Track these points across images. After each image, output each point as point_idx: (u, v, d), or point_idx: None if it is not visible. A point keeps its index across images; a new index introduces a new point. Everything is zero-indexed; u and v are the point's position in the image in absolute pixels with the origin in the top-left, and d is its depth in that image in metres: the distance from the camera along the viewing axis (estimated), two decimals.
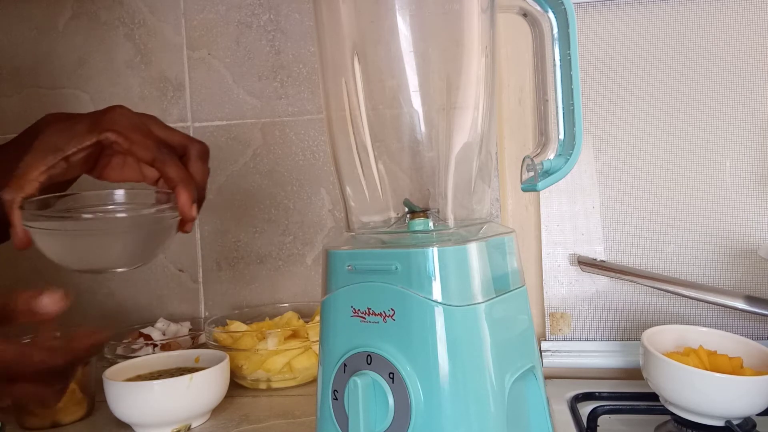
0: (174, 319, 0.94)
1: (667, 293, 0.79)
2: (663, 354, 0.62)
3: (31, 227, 0.51)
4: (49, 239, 0.52)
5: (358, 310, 0.47)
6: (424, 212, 0.51)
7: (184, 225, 0.55)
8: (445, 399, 0.44)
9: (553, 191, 0.85)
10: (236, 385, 0.82)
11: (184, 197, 0.54)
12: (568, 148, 0.53)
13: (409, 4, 0.51)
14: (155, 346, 0.86)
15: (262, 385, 0.83)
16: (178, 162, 0.55)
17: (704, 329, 0.69)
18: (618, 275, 0.81)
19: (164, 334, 0.89)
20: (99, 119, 0.52)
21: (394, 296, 0.45)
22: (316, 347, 0.81)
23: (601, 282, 0.83)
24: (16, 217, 0.48)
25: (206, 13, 0.99)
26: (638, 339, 0.66)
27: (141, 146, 0.53)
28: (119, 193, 0.55)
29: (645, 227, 0.83)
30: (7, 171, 0.50)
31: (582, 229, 0.84)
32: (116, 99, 1.02)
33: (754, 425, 0.62)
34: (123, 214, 0.54)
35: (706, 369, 0.62)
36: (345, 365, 0.47)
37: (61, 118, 0.54)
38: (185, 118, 1.00)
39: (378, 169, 0.52)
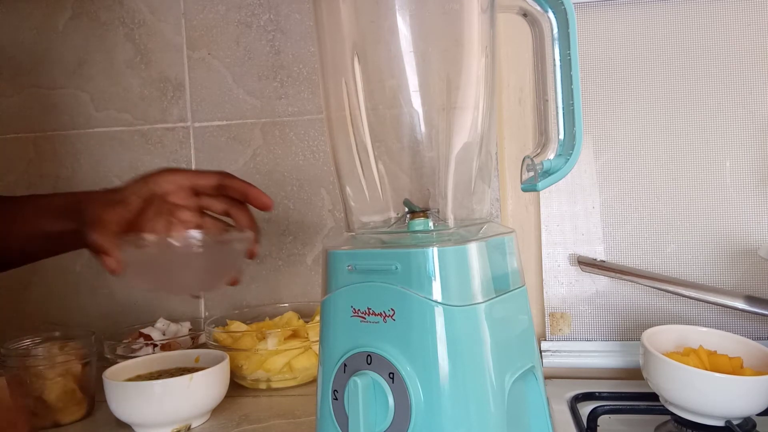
0: (174, 319, 0.94)
1: (667, 293, 0.79)
2: (663, 354, 0.62)
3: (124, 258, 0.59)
4: (139, 267, 0.60)
5: (358, 310, 0.47)
6: (424, 212, 0.51)
7: (251, 255, 0.64)
8: (445, 399, 0.44)
9: (553, 191, 0.85)
10: (236, 385, 0.82)
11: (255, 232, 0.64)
12: (568, 148, 0.53)
13: (409, 4, 0.51)
14: (155, 346, 0.86)
15: (262, 385, 0.83)
16: (246, 209, 0.65)
17: (704, 329, 0.69)
18: (618, 275, 0.81)
19: (164, 334, 0.89)
20: (150, 176, 0.62)
21: (394, 296, 0.45)
22: (316, 347, 0.81)
23: (601, 282, 0.83)
24: (115, 251, 0.56)
25: (206, 13, 0.99)
26: (638, 339, 0.66)
27: (181, 196, 0.63)
28: (195, 234, 0.63)
29: (645, 227, 0.83)
30: (73, 213, 0.61)
31: (582, 229, 0.84)
32: (116, 99, 1.02)
33: (754, 425, 0.62)
34: (198, 238, 0.61)
35: (706, 369, 0.62)
36: (345, 365, 0.47)
37: (111, 189, 0.64)
38: (185, 118, 1.00)
39: (378, 169, 0.53)
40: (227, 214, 0.64)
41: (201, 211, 0.64)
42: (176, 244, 0.61)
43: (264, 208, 0.64)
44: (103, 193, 0.63)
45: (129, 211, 0.60)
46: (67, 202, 0.65)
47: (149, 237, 0.60)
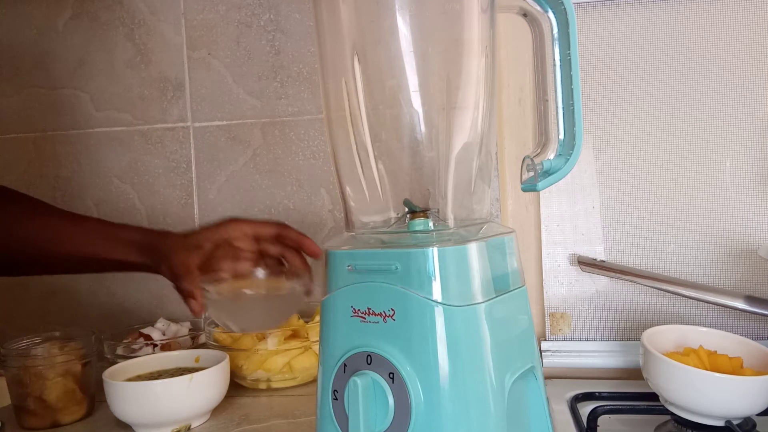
0: (174, 319, 0.94)
1: (667, 293, 0.79)
2: (663, 354, 0.62)
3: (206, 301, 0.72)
4: (217, 309, 0.74)
5: (358, 310, 0.47)
6: (424, 212, 0.51)
7: (309, 295, 0.75)
8: (445, 399, 0.44)
9: (553, 191, 0.85)
10: (236, 385, 0.82)
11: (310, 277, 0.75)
12: (568, 148, 0.53)
13: (409, 4, 0.51)
14: (155, 346, 0.86)
15: (262, 385, 0.83)
16: (300, 255, 0.75)
17: (704, 329, 0.69)
18: (618, 275, 0.81)
19: (164, 334, 0.89)
20: (220, 225, 0.73)
21: (394, 296, 0.45)
22: (316, 347, 0.81)
23: (601, 282, 0.83)
24: (200, 296, 0.69)
25: (206, 13, 0.99)
26: (638, 339, 0.66)
27: (244, 242, 0.73)
28: (260, 272, 0.74)
29: (645, 227, 0.83)
30: (157, 254, 0.72)
31: (582, 229, 0.84)
32: (116, 99, 1.02)
33: (754, 425, 0.62)
34: (261, 276, 0.74)
35: (706, 369, 0.62)
36: (345, 365, 0.47)
37: (182, 233, 0.75)
38: (185, 118, 1.00)
39: (378, 169, 0.52)
40: (283, 258, 0.74)
41: (260, 255, 0.74)
42: (249, 293, 0.74)
43: (314, 255, 0.74)
44: (180, 237, 0.73)
45: (204, 254, 0.71)
46: (143, 238, 0.74)
47: (226, 285, 0.73)
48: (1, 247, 0.74)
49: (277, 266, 0.74)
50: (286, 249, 0.74)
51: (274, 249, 0.74)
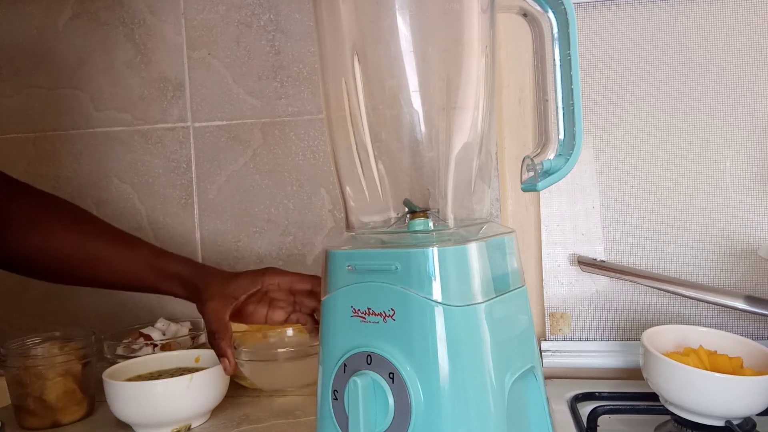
0: (174, 319, 0.94)
1: (667, 293, 0.79)
2: (663, 354, 0.62)
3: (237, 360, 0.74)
4: (248, 367, 0.78)
5: (358, 310, 0.47)
6: (424, 212, 0.51)
7: None
8: (445, 399, 0.44)
9: (553, 191, 0.85)
10: (236, 385, 0.82)
11: None
12: (568, 148, 0.53)
13: (409, 4, 0.51)
14: (155, 346, 0.86)
15: None
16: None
17: (704, 329, 0.69)
18: (618, 275, 0.81)
19: (164, 334, 0.89)
20: (258, 275, 0.73)
21: (394, 296, 0.45)
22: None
23: (601, 282, 0.83)
24: (231, 355, 0.70)
25: (206, 13, 0.99)
26: (638, 339, 0.66)
27: (279, 293, 0.74)
28: (290, 331, 0.80)
29: (645, 227, 0.83)
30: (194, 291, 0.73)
31: (582, 229, 0.84)
32: (116, 99, 1.02)
33: (754, 425, 0.62)
34: (291, 335, 0.80)
35: (706, 369, 0.62)
36: (345, 365, 0.47)
37: (222, 274, 0.75)
38: (185, 118, 1.00)
39: (378, 169, 0.53)
40: (315, 312, 0.75)
41: (294, 308, 0.75)
42: (281, 352, 0.77)
43: None
44: (219, 281, 0.73)
45: (238, 303, 0.71)
46: (189, 274, 0.74)
47: (259, 344, 0.78)
48: (41, 259, 0.73)
49: (309, 320, 0.75)
50: (319, 303, 0.74)
51: (308, 302, 0.75)
